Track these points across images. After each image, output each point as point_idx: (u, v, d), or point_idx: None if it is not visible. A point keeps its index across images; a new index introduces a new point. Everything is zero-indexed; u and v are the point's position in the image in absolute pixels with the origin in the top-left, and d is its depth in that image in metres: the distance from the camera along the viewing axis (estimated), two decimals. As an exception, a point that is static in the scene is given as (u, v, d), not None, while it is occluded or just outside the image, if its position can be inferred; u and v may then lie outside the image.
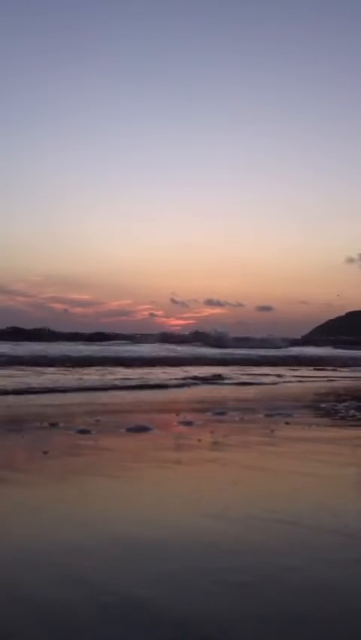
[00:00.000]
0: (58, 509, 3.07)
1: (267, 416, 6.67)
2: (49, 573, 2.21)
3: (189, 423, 6.10)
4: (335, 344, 42.26)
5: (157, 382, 12.06)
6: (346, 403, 7.90)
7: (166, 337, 38.90)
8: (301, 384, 13.07)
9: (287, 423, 6.11)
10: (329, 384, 13.04)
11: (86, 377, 12.64)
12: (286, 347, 35.97)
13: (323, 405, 8.05)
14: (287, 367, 19.77)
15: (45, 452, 4.46)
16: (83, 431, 5.39)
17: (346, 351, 33.22)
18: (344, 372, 18.11)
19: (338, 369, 19.78)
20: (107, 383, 11.33)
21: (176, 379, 12.90)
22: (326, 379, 14.63)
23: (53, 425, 5.79)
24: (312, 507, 3.07)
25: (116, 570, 2.24)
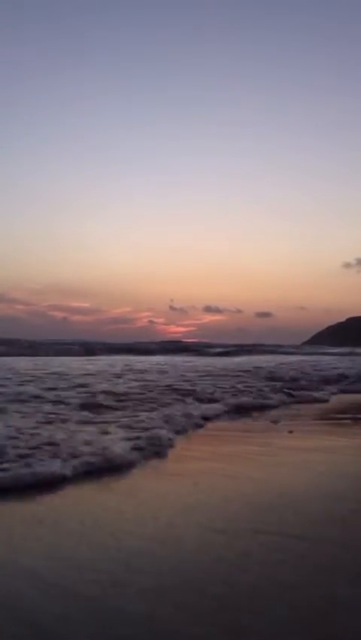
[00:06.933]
0: (54, 522, 3.01)
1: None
2: (48, 589, 2.17)
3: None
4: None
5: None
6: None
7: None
8: None
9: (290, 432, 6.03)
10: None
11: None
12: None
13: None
14: None
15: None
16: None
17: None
18: None
19: None
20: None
21: None
22: None
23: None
24: (316, 520, 3.02)
25: (116, 585, 2.20)
